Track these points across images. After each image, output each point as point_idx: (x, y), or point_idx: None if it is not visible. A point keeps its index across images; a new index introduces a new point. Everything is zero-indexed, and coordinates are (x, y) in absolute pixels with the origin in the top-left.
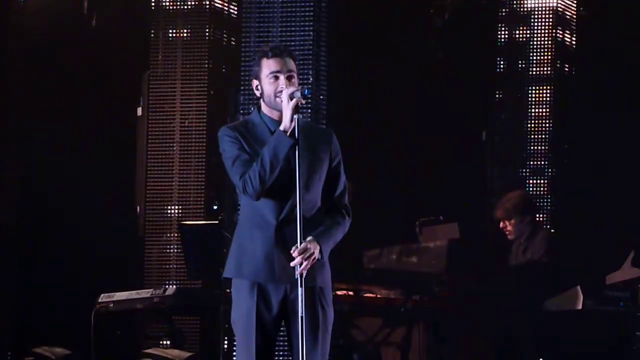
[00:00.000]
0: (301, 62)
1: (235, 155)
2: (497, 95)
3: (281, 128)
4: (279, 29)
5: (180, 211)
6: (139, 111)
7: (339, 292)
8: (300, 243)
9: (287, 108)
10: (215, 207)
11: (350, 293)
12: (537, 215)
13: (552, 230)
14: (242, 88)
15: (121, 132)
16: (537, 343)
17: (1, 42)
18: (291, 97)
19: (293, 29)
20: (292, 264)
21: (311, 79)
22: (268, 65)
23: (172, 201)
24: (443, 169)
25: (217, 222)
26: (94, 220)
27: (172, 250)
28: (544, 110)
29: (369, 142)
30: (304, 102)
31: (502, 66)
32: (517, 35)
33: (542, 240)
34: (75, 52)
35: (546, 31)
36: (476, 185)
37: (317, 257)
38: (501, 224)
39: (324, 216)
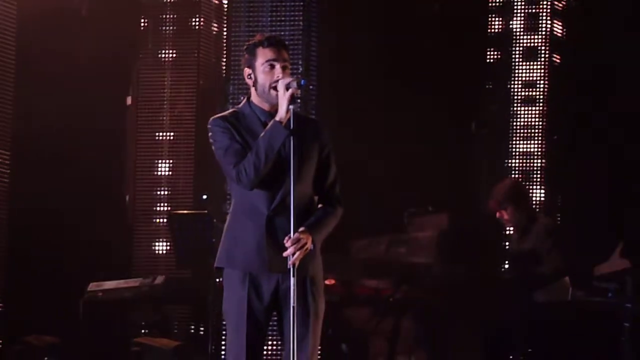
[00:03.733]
0: (291, 52)
1: (227, 145)
2: (487, 86)
3: (277, 118)
4: (269, 19)
5: (169, 200)
6: (129, 100)
7: (327, 283)
8: (293, 233)
9: (283, 98)
10: (204, 197)
11: (339, 283)
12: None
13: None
14: (231, 78)
15: (110, 121)
16: (527, 334)
17: None
18: (287, 87)
19: (283, 18)
20: (284, 254)
21: (301, 69)
22: (264, 54)
23: (161, 190)
24: (432, 160)
25: (206, 211)
26: (83, 208)
27: (161, 240)
28: (535, 101)
29: (359, 132)
30: (299, 92)
31: (492, 57)
32: (508, 26)
33: (541, 228)
34: (65, 41)
35: (537, 21)
36: (465, 176)
37: (309, 248)
38: (497, 215)
39: (316, 206)
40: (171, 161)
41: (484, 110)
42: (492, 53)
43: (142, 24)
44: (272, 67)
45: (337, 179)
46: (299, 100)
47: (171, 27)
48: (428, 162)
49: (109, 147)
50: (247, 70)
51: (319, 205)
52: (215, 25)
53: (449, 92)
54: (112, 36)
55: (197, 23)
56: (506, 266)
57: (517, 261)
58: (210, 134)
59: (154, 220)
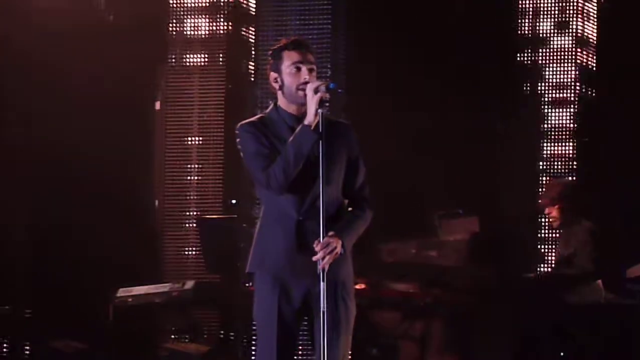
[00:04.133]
0: (319, 55)
1: (256, 150)
2: (517, 88)
3: (306, 122)
4: (297, 22)
5: (198, 205)
6: (157, 105)
7: (357, 287)
8: (323, 237)
9: (312, 102)
10: (233, 202)
11: (369, 287)
12: None
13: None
14: (259, 82)
15: (139, 126)
16: (559, 336)
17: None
18: (315, 91)
19: (310, 22)
20: (314, 258)
21: (329, 72)
22: (290, 57)
23: (190, 195)
24: (463, 162)
25: (235, 216)
26: (112, 214)
27: (190, 245)
28: (566, 100)
29: (388, 134)
30: (328, 96)
31: (523, 58)
32: (538, 27)
33: (585, 231)
34: (92, 46)
35: (568, 22)
36: (496, 178)
37: (339, 252)
38: (546, 210)
39: (346, 210)
40: (200, 166)
41: (514, 112)
42: (522, 55)
43: (171, 29)
44: (299, 69)
45: (366, 182)
46: (327, 104)
47: (199, 32)
48: (458, 164)
49: (138, 152)
50: (273, 75)
51: (349, 209)
52: (244, 30)
53: (479, 93)
54: (140, 40)
55: (225, 28)
56: (539, 269)
57: (560, 262)
58: (238, 139)
59: (183, 225)
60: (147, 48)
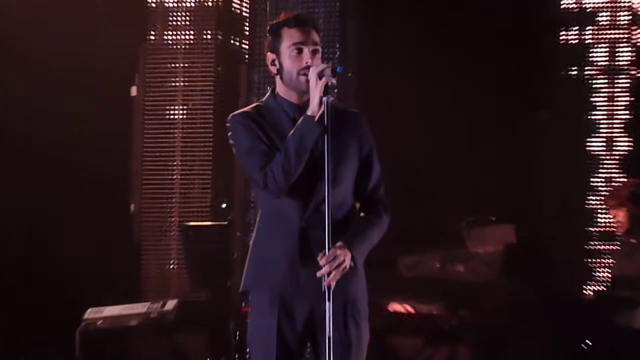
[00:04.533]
0: (325, 34)
1: (251, 145)
2: (559, 72)
3: (308, 112)
4: None
5: (182, 210)
6: (134, 91)
7: (370, 306)
8: (329, 248)
9: (316, 89)
10: (223, 206)
11: (385, 307)
12: None
13: None
14: (256, 65)
15: (112, 116)
16: None
17: None
18: (320, 75)
19: None
20: (318, 274)
21: (338, 53)
22: (290, 36)
23: (173, 199)
24: (494, 159)
25: (225, 223)
26: (81, 222)
27: (172, 257)
28: (618, 87)
29: (405, 126)
30: (334, 81)
31: (565, 38)
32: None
33: None
34: (56, 22)
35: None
36: (534, 178)
37: (348, 266)
38: (611, 213)
39: (357, 215)
40: (184, 163)
41: (555, 101)
42: (565, 34)
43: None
44: (300, 51)
45: (381, 182)
46: (335, 91)
47: (184, 3)
48: (489, 162)
49: (110, 148)
50: (270, 56)
51: (361, 214)
52: (237, 1)
53: (513, 79)
54: (113, 15)
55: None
56: (586, 285)
57: (617, 280)
58: (230, 133)
59: (164, 233)
60: (120, 22)
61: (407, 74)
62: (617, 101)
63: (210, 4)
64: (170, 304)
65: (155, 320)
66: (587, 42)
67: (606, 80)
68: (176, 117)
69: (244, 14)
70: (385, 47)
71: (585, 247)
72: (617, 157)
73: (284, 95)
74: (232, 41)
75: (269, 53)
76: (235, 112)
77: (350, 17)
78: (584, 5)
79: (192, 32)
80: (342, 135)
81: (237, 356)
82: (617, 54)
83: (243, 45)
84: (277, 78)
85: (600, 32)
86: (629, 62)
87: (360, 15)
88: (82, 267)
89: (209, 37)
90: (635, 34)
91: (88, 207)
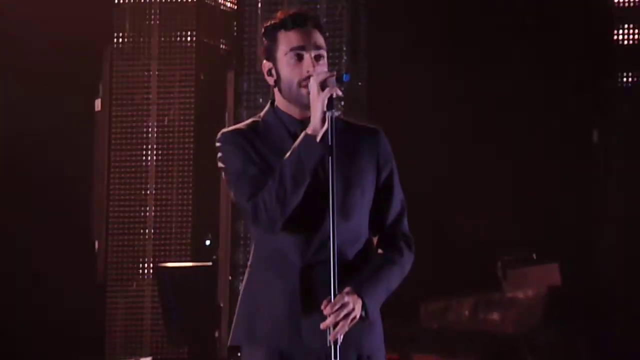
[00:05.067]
0: (331, 35)
1: (242, 169)
2: (617, 78)
3: (309, 130)
4: None
5: (157, 248)
6: (98, 104)
7: None
8: (335, 295)
9: (317, 102)
10: (208, 242)
11: None
12: None
13: None
14: (246, 71)
15: (72, 133)
16: None
17: None
18: (322, 86)
19: None
20: (322, 326)
21: (345, 57)
22: (287, 40)
23: (146, 233)
24: (538, 185)
25: (210, 263)
26: (38, 262)
27: (145, 305)
28: None
29: (426, 143)
30: (340, 93)
31: (623, 36)
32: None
33: None
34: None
35: None
36: (584, 207)
37: (358, 316)
38: None
39: (374, 252)
40: (159, 191)
41: (612, 113)
42: (623, 31)
43: None
44: (300, 57)
45: (404, 212)
46: (342, 102)
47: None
48: (531, 189)
49: (70, 173)
50: (266, 64)
51: (379, 251)
52: None
53: (561, 87)
54: (76, 15)
55: None
56: None
57: None
58: (219, 154)
59: (136, 276)
60: (85, 23)
61: (430, 81)
62: None
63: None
64: None
65: None
66: None
67: None
68: (149, 135)
69: (230, 10)
70: (403, 53)
71: None
72: None
73: (285, 109)
74: (216, 44)
75: (265, 61)
76: (227, 129)
77: (361, 13)
78: None
79: (167, 33)
80: (356, 156)
81: None
82: None
83: (230, 49)
84: (276, 90)
85: None
86: None
87: (372, 10)
88: (41, 318)
89: (188, 39)
90: None
91: (45, 245)
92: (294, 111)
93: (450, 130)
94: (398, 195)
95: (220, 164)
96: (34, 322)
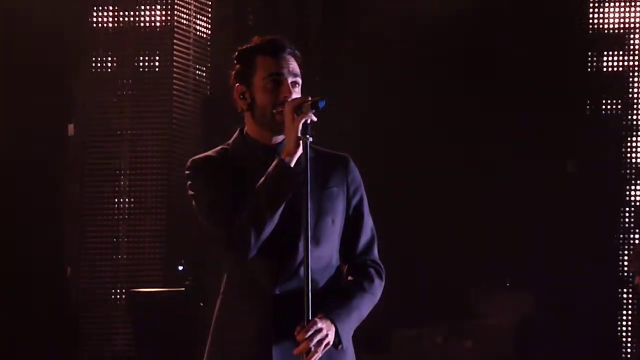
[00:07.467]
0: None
1: (213, 197)
2: (587, 106)
3: (283, 155)
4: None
5: (129, 274)
6: (70, 129)
7: None
8: (308, 321)
9: (292, 127)
10: (180, 268)
11: None
12: None
13: None
14: (220, 95)
15: (43, 160)
16: None
17: None
18: (297, 110)
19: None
20: (295, 351)
21: (317, 78)
22: (266, 65)
23: (118, 259)
24: (512, 212)
25: (182, 289)
26: (7, 289)
27: (117, 331)
28: None
29: (402, 169)
30: (315, 118)
31: (598, 63)
32: (613, 22)
33: None
34: None
35: None
36: (560, 235)
37: (331, 342)
38: (637, 280)
39: (344, 279)
40: (132, 218)
41: (587, 141)
42: (597, 57)
43: (93, 18)
44: (278, 82)
45: (374, 240)
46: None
47: (133, 22)
48: (506, 215)
49: (41, 199)
50: (239, 88)
51: (349, 278)
52: (199, 21)
53: (535, 114)
54: (47, 33)
55: (170, 16)
56: None
57: None
58: (188, 182)
59: (107, 302)
60: (56, 44)
61: (407, 109)
62: None
63: (165, 22)
64: None
65: None
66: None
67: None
68: (123, 160)
69: (205, 36)
70: (382, 75)
71: (622, 316)
72: None
73: (255, 134)
74: (191, 69)
75: (237, 85)
76: (196, 157)
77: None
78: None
79: (142, 58)
80: (326, 183)
81: None
82: None
83: (204, 73)
84: (247, 114)
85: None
86: None
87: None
88: (10, 345)
89: (163, 64)
90: None
91: (13, 271)
92: (265, 136)
93: (420, 156)
94: (368, 222)
95: (190, 192)
96: (5, 348)
